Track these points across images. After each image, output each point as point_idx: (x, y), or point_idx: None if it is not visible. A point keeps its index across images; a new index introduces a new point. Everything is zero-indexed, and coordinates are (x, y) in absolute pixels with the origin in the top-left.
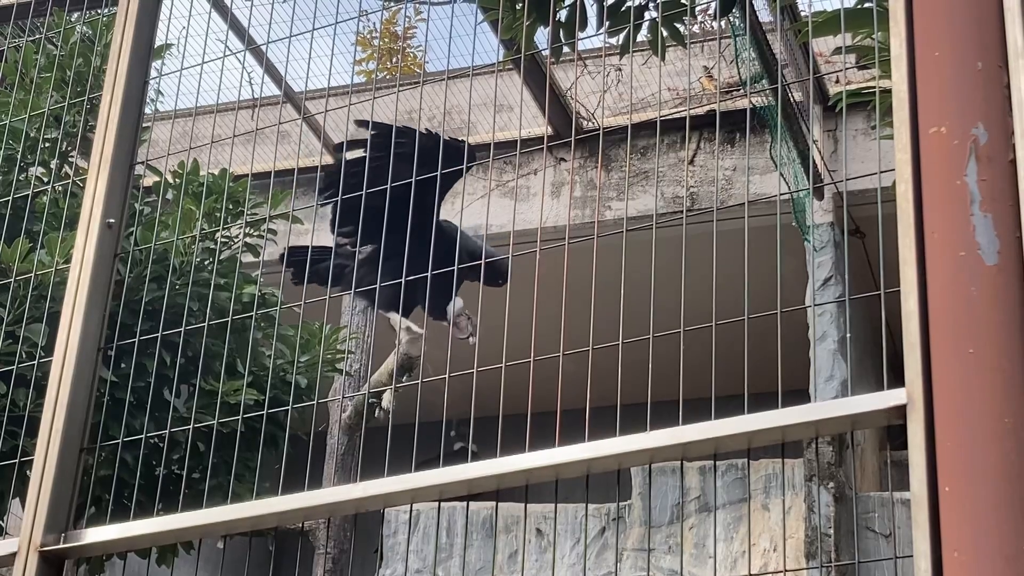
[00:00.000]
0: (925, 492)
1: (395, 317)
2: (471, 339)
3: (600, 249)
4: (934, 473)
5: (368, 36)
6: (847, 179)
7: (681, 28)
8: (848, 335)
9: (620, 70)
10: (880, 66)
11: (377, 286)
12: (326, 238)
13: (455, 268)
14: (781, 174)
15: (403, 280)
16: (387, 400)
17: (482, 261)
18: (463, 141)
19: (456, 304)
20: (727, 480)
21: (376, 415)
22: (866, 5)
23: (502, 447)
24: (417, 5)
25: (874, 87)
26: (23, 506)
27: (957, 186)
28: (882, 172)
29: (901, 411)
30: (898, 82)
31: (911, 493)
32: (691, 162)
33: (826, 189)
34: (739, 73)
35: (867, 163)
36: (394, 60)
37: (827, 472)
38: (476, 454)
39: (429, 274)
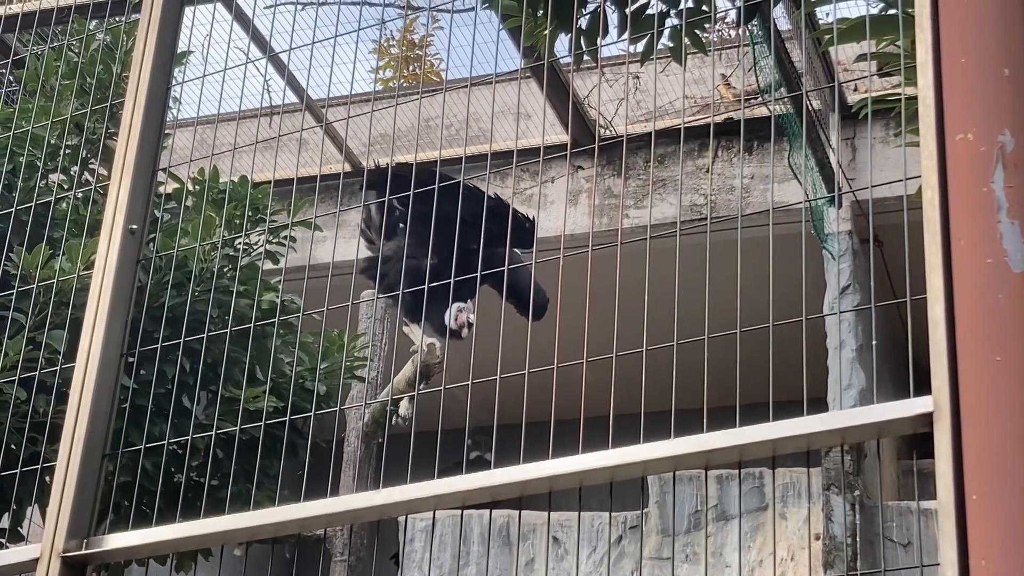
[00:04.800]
0: (952, 500)
1: (416, 329)
2: (471, 322)
3: (617, 257)
4: (961, 481)
5: (385, 45)
6: (872, 186)
7: (701, 35)
8: (874, 342)
9: (638, 78)
10: (904, 73)
11: (400, 292)
12: (345, 247)
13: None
14: (801, 184)
15: (425, 290)
16: (404, 408)
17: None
18: (529, 218)
19: (448, 317)
20: (744, 489)
21: (394, 423)
22: (890, 12)
23: (520, 455)
24: (435, 13)
25: (896, 94)
26: (41, 513)
27: (984, 193)
28: (908, 179)
29: (928, 419)
30: (924, 89)
31: (938, 501)
32: (708, 170)
33: (844, 198)
34: (757, 81)
35: (885, 171)
36: (411, 68)
37: (845, 481)
38: (489, 463)
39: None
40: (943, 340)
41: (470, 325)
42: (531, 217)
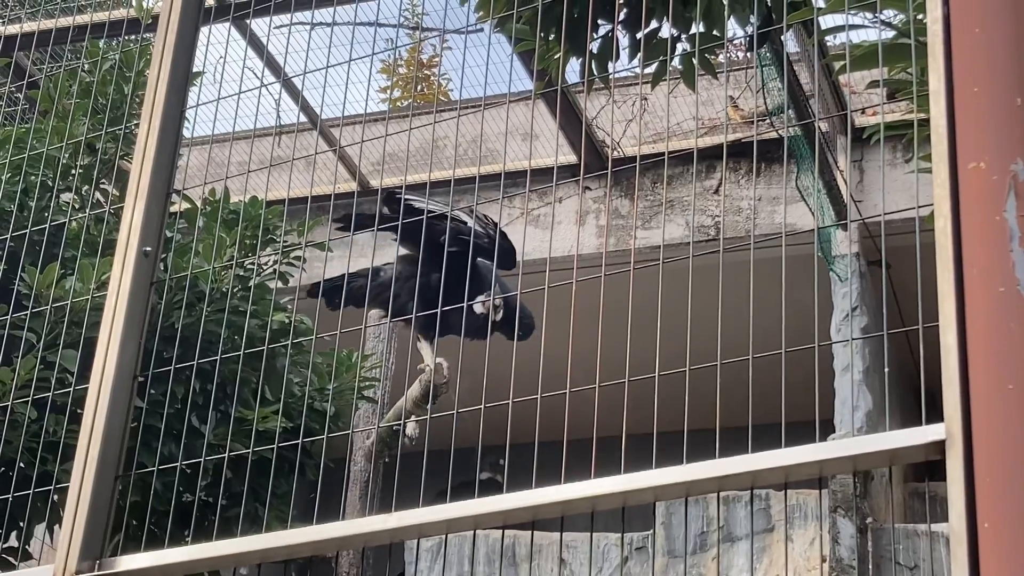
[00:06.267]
0: (964, 528)
1: (428, 347)
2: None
3: (625, 279)
4: (973, 509)
5: (393, 64)
6: (885, 213)
7: (711, 58)
8: (887, 369)
9: (646, 99)
10: (916, 100)
11: (413, 316)
12: (356, 267)
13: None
14: (809, 206)
15: (438, 311)
16: (412, 428)
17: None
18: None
19: (476, 306)
20: (750, 510)
21: (401, 443)
22: (902, 40)
23: (526, 476)
24: (444, 35)
25: (907, 119)
26: (49, 532)
27: (996, 221)
28: (920, 207)
29: (940, 447)
30: (937, 117)
31: (950, 529)
32: (716, 192)
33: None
34: (765, 103)
35: (893, 193)
36: (419, 88)
37: (852, 503)
38: (499, 483)
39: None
40: (955, 368)
41: (498, 307)
42: (508, 237)
